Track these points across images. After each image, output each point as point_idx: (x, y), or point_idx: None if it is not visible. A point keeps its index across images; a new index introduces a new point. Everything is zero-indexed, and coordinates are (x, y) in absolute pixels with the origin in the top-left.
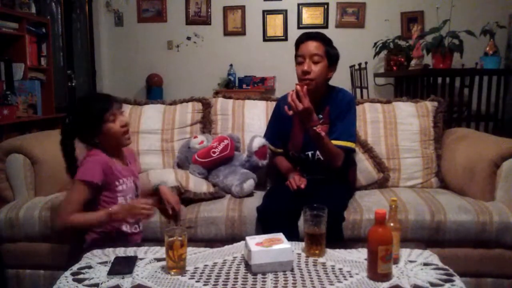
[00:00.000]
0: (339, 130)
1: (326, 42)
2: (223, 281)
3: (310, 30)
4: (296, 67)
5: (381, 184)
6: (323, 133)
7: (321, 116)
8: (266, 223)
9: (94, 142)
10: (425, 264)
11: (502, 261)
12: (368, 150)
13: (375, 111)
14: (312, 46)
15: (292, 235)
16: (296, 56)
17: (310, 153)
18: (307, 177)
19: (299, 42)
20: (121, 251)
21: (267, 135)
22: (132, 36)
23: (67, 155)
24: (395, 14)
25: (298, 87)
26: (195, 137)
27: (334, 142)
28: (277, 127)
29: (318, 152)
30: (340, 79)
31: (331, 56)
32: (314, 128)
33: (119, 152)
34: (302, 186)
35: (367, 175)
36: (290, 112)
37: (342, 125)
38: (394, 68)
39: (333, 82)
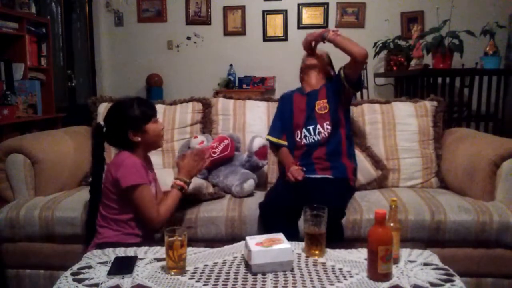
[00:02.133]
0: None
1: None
2: (223, 281)
3: (311, 30)
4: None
5: (380, 182)
6: (338, 33)
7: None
8: (267, 219)
9: (130, 142)
10: (425, 264)
11: (502, 261)
12: (365, 149)
13: (374, 112)
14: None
15: (292, 234)
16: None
17: (311, 127)
18: (306, 173)
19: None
20: (121, 251)
21: (271, 129)
22: (132, 36)
23: (96, 151)
24: (395, 14)
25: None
26: (195, 137)
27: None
28: (281, 119)
29: (318, 126)
30: None
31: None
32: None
33: (147, 157)
34: (300, 177)
35: (366, 173)
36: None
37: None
38: (394, 68)
39: None
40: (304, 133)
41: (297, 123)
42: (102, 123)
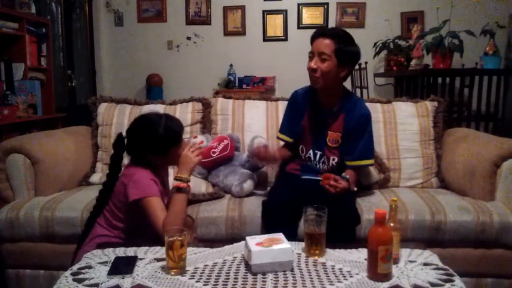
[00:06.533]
0: (359, 150)
1: (339, 39)
2: (223, 281)
3: (311, 30)
4: (308, 62)
5: (382, 184)
6: (354, 188)
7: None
8: (269, 217)
9: (145, 160)
10: (425, 264)
11: (502, 261)
12: None
13: (375, 111)
14: (321, 44)
15: (292, 234)
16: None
17: (318, 154)
18: (307, 175)
19: (313, 37)
20: (121, 251)
21: (281, 126)
22: (132, 36)
23: (114, 162)
24: (395, 14)
25: (327, 186)
26: (195, 137)
27: (354, 162)
28: (291, 119)
29: (324, 157)
30: None
31: (342, 55)
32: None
33: (164, 172)
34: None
35: (368, 175)
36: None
37: (362, 145)
38: (394, 68)
39: None
40: (309, 154)
41: (305, 135)
42: (124, 134)
